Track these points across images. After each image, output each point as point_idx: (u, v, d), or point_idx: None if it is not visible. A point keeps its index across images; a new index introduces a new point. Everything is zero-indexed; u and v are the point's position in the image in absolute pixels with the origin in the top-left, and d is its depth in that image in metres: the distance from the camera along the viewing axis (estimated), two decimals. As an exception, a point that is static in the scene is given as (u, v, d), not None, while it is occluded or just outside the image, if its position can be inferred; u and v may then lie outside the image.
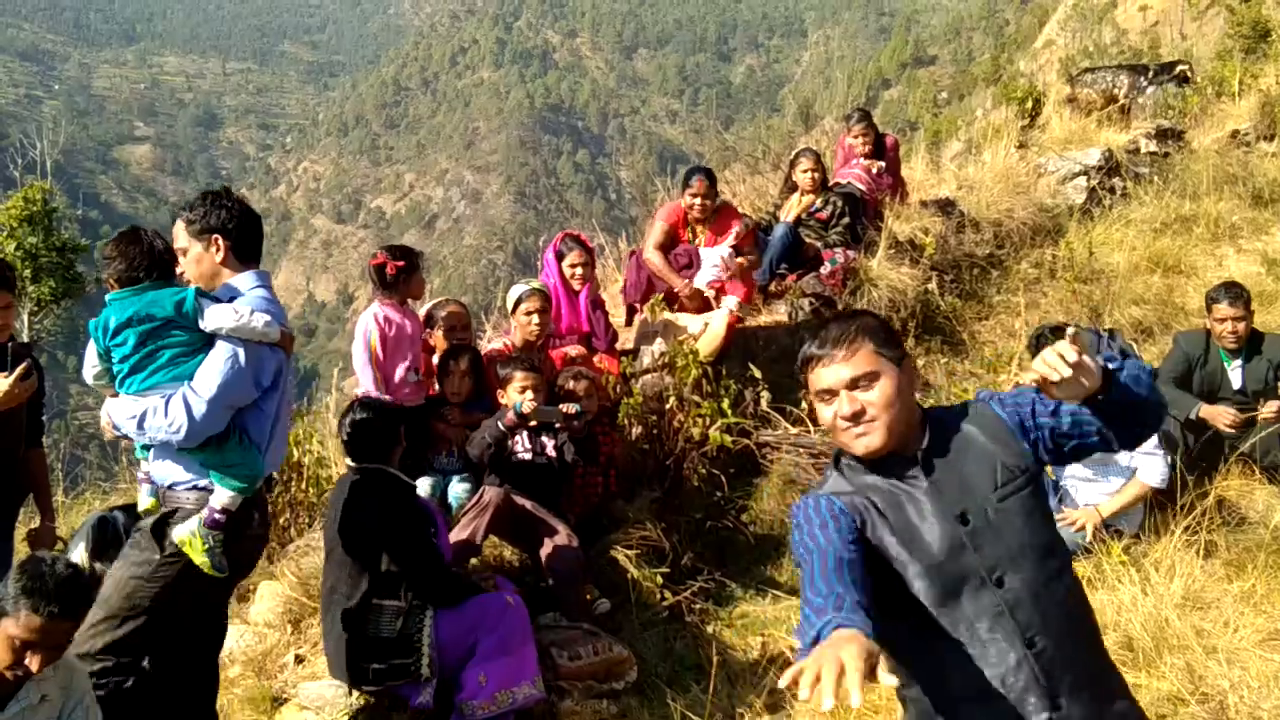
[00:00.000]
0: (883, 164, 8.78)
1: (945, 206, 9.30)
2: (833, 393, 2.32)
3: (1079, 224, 9.52)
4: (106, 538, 4.83)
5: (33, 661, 2.86)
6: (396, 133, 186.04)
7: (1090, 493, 5.29)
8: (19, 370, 4.12)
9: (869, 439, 2.30)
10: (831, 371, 2.31)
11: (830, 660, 1.72)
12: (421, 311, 5.88)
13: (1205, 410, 5.66)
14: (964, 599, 2.26)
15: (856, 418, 2.29)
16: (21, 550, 4.83)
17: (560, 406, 5.18)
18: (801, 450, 6.36)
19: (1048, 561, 2.29)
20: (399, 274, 5.29)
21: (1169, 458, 5.27)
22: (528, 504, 5.04)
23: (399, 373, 5.26)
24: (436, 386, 5.55)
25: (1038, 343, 5.37)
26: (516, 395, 5.12)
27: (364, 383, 5.23)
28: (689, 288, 7.01)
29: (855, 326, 2.34)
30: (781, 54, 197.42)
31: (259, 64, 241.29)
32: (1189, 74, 13.03)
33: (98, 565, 4.77)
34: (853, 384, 2.29)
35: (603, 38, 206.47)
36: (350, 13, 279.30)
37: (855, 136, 8.85)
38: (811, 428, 6.54)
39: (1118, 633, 4.17)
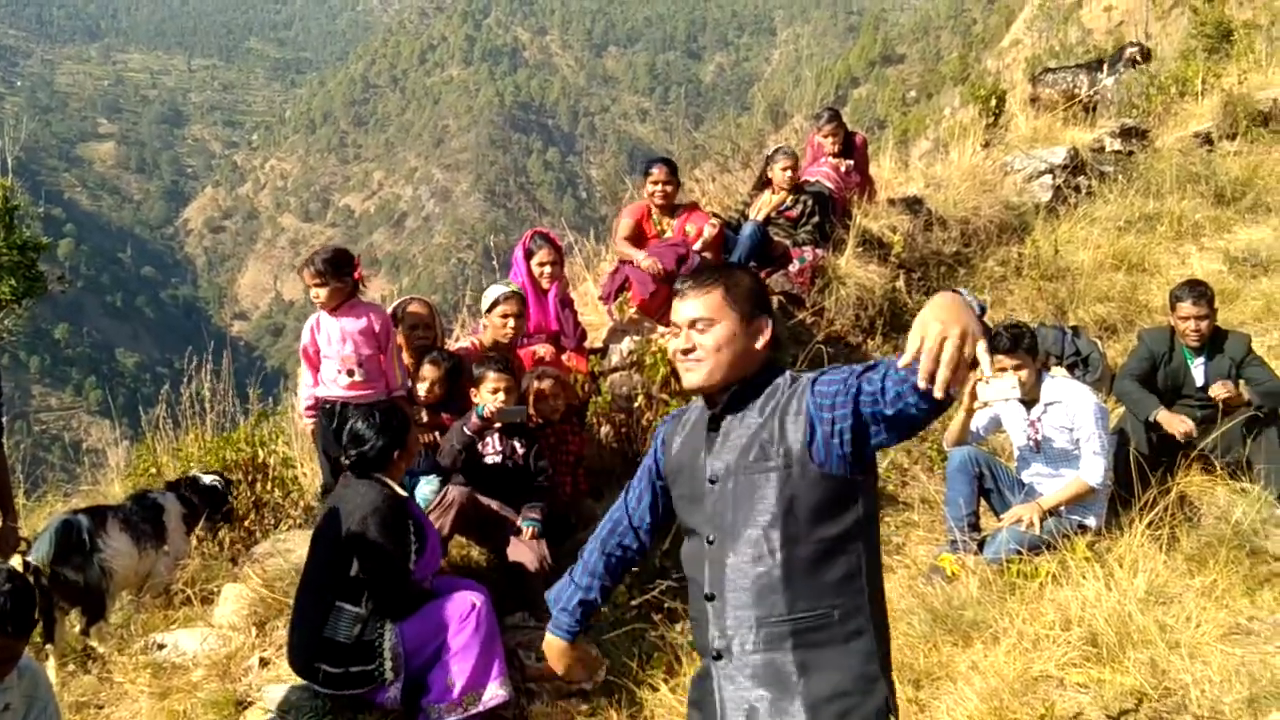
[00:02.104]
0: (851, 162, 8.80)
1: (913, 205, 9.34)
2: (679, 326, 2.58)
3: (1045, 222, 9.58)
4: (71, 541, 4.78)
5: None
6: (365, 130, 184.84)
7: (1052, 488, 5.33)
8: None
9: (691, 375, 2.56)
10: (682, 306, 2.58)
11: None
12: (389, 309, 5.86)
13: (1161, 416, 5.71)
14: (691, 538, 2.62)
15: (686, 353, 2.55)
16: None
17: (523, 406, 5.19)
18: (770, 448, 6.36)
19: (759, 546, 2.44)
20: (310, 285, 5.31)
21: (1110, 459, 5.32)
22: (493, 504, 5.03)
23: (329, 374, 5.35)
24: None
25: (994, 341, 5.40)
26: (488, 396, 5.13)
27: (301, 382, 5.54)
28: (650, 259, 6.98)
29: (718, 275, 2.60)
30: (751, 52, 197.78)
31: (225, 60, 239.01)
32: (1138, 57, 13.14)
33: (61, 570, 4.73)
34: (693, 323, 2.54)
35: (572, 35, 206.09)
36: (318, 9, 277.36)
37: (825, 135, 8.86)
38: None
39: (1082, 628, 4.20)
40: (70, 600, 4.81)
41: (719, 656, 2.47)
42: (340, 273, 5.33)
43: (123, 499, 5.51)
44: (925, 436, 6.62)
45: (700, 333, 2.53)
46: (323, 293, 5.28)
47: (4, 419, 4.72)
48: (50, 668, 4.62)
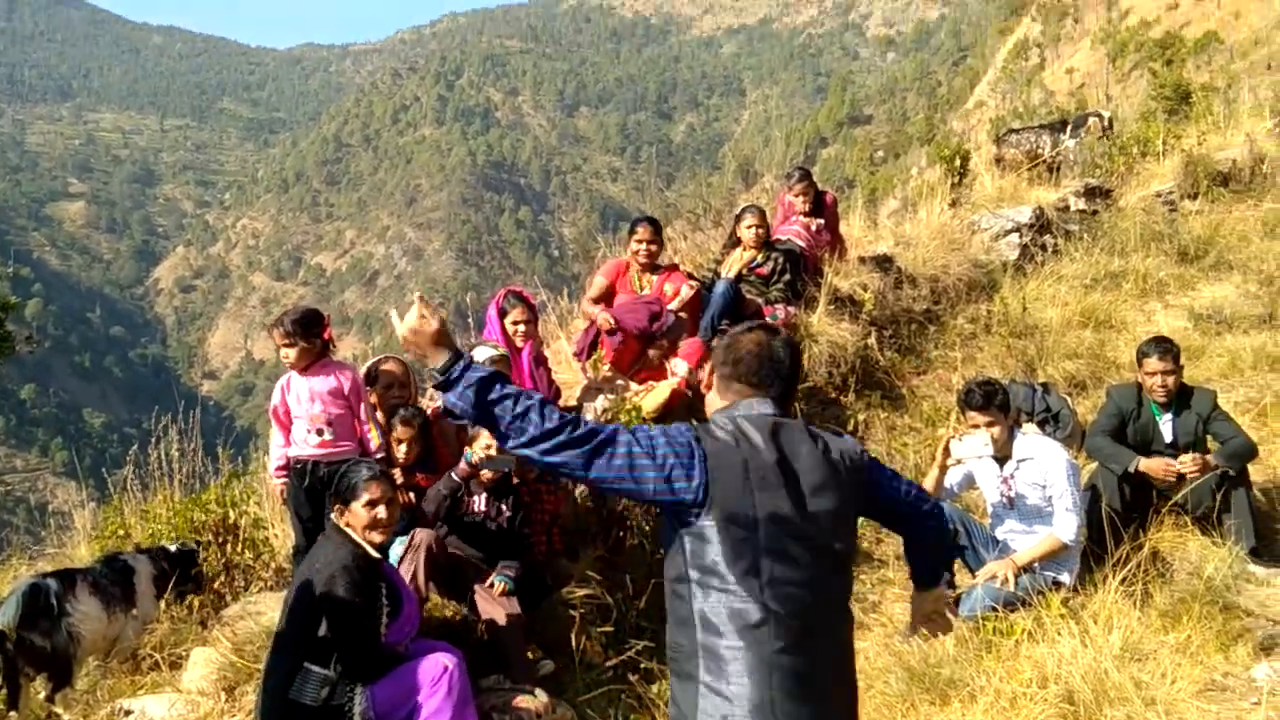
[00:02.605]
0: (822, 221, 8.90)
1: (883, 263, 9.44)
2: None
3: (1013, 279, 9.70)
4: (39, 605, 4.70)
5: None
6: (338, 189, 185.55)
7: (1026, 544, 5.35)
8: None
9: None
10: None
11: None
12: (362, 369, 5.83)
13: (1145, 464, 5.76)
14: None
15: None
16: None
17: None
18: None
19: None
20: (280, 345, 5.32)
21: (1083, 515, 5.36)
22: (460, 552, 5.02)
23: (299, 434, 5.34)
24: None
25: (967, 398, 5.45)
26: (480, 451, 5.13)
27: (272, 443, 5.51)
28: (605, 314, 7.03)
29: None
30: (721, 112, 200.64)
31: (198, 120, 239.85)
32: (1102, 123, 13.43)
33: (28, 635, 4.64)
34: None
35: (544, 96, 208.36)
36: (291, 70, 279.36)
37: (796, 195, 8.96)
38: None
39: (1059, 685, 4.19)
40: (36, 666, 4.71)
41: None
42: (309, 333, 5.31)
43: (92, 561, 5.43)
44: (899, 493, 6.63)
45: None
46: (292, 353, 5.26)
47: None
48: (13, 736, 4.52)
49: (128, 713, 4.67)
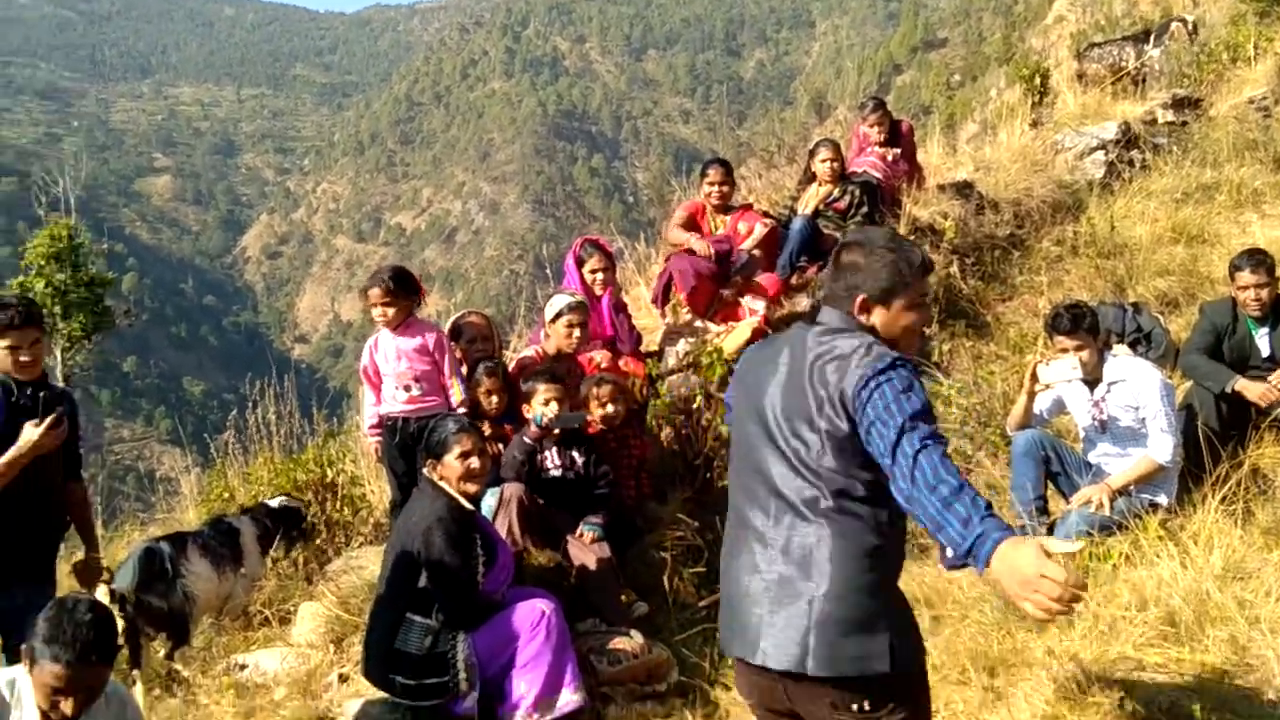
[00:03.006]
0: (898, 151, 8.75)
1: (963, 189, 9.25)
2: None
3: (1099, 199, 9.43)
4: (154, 568, 4.92)
5: (65, 706, 2.91)
6: (412, 148, 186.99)
7: (1120, 467, 5.26)
8: (49, 419, 4.18)
9: None
10: None
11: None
12: (447, 324, 5.94)
13: (1242, 385, 5.60)
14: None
15: None
16: (67, 582, 4.90)
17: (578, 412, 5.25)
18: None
19: None
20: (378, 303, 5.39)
21: (1179, 435, 5.23)
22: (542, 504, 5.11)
23: (389, 391, 5.45)
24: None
25: (1053, 323, 5.34)
26: (540, 407, 5.18)
27: (364, 401, 5.64)
28: (702, 242, 7.02)
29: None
30: (791, 46, 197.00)
31: (273, 89, 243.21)
32: (1186, 29, 12.90)
33: (146, 597, 4.88)
34: None
35: (611, 41, 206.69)
36: (360, 32, 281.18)
37: (871, 125, 8.82)
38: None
39: (1159, 608, 4.14)
40: (155, 626, 4.95)
41: None
42: (408, 291, 5.45)
43: (199, 525, 5.65)
44: (988, 422, 6.56)
45: None
46: (391, 311, 5.37)
47: (81, 451, 4.86)
48: (138, 692, 4.75)
49: (243, 667, 4.88)
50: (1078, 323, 5.22)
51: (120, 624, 4.84)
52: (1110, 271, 8.28)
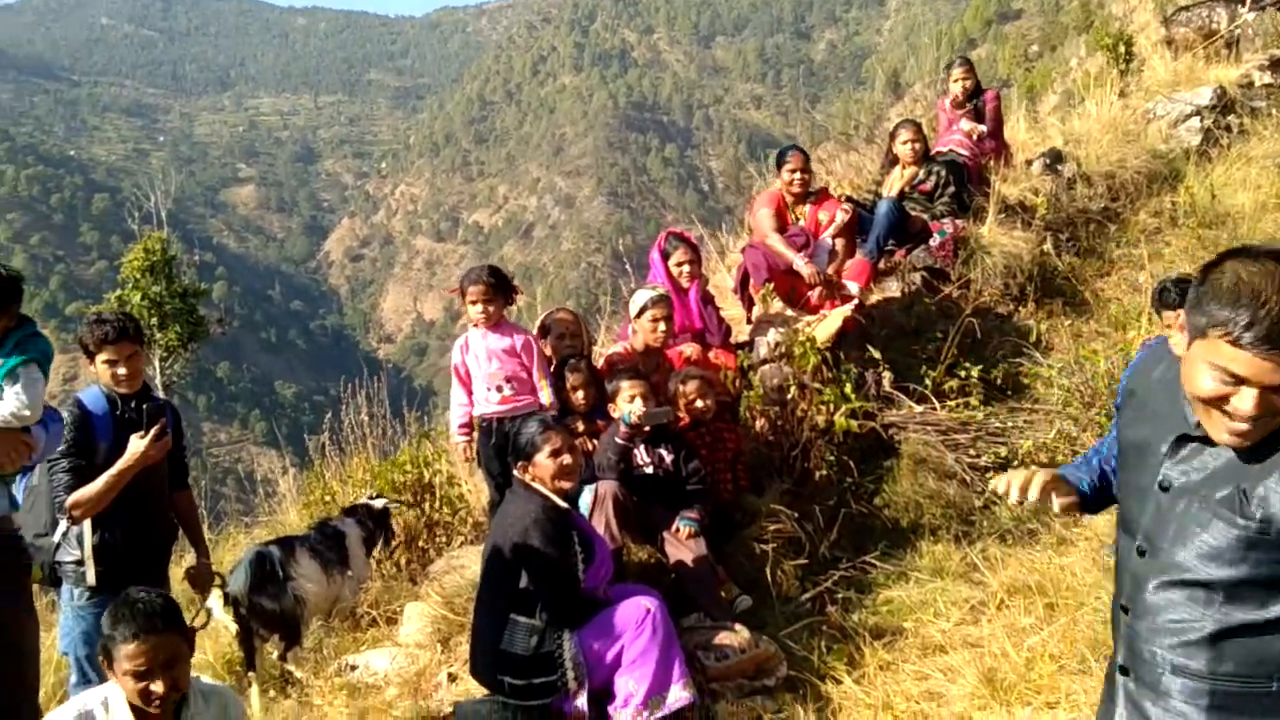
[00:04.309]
0: (984, 129, 8.57)
1: (1053, 163, 9.03)
2: (1241, 381, 1.94)
3: (1197, 167, 9.13)
4: (265, 571, 5.03)
5: (156, 687, 2.95)
6: (486, 147, 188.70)
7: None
8: (153, 432, 4.28)
9: (1239, 439, 2.00)
10: (1261, 367, 1.90)
11: (1019, 475, 2.50)
12: (536, 321, 5.95)
13: None
14: (1124, 528, 2.27)
15: (1252, 419, 1.95)
16: (179, 588, 5.02)
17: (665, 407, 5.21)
18: (929, 428, 6.24)
19: (1195, 593, 2.09)
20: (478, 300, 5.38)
21: None
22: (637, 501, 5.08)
23: (480, 392, 5.44)
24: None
25: (1161, 296, 5.16)
26: (625, 405, 5.15)
27: (453, 401, 5.59)
28: (811, 265, 6.91)
29: None
30: (861, 25, 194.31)
31: (349, 95, 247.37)
32: None
33: (258, 599, 4.99)
34: (1276, 389, 1.92)
35: (679, 30, 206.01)
36: (430, 35, 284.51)
37: (955, 80, 8.68)
38: (937, 405, 6.41)
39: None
40: (268, 628, 5.06)
41: (1125, 671, 2.23)
42: (505, 289, 5.46)
43: (306, 528, 5.75)
44: (1093, 402, 6.39)
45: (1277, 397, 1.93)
46: (491, 308, 5.38)
47: (187, 460, 4.97)
48: (254, 694, 4.86)
49: (353, 667, 4.95)
50: (1188, 296, 5.03)
51: (233, 626, 4.98)
52: (1213, 242, 8.00)
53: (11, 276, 3.60)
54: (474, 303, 5.39)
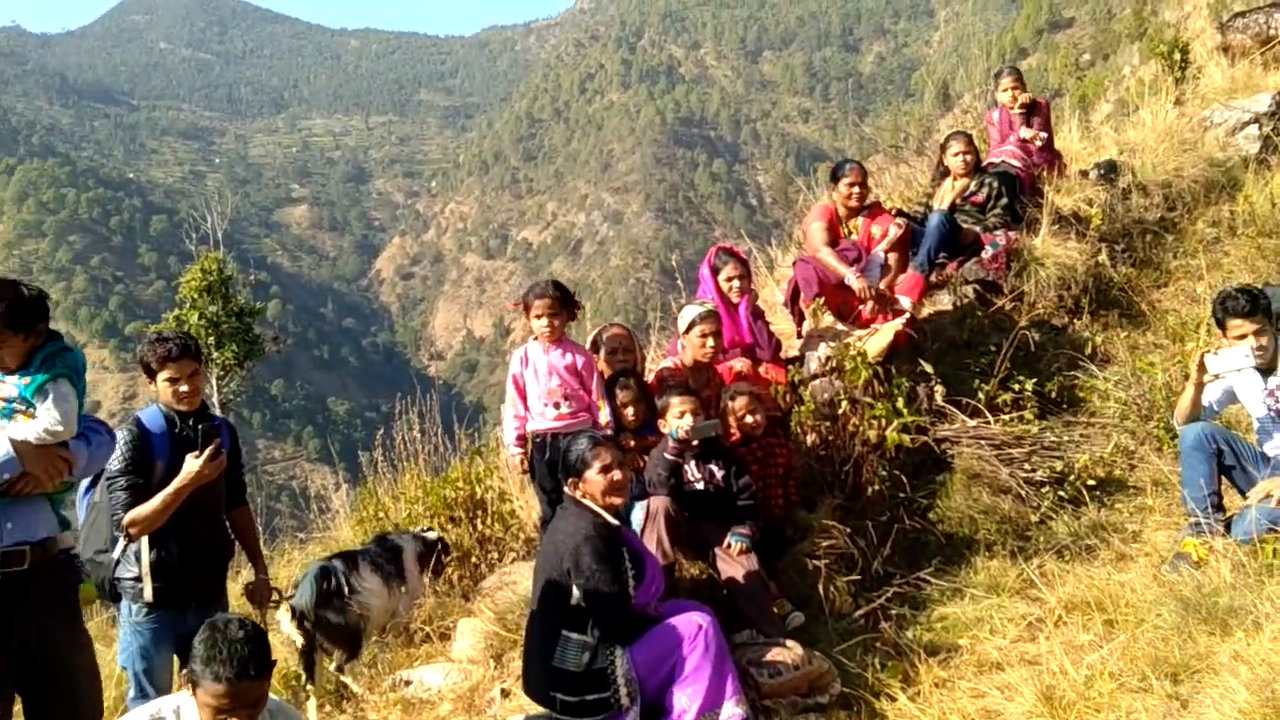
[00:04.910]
0: (1044, 135, 8.50)
1: (1107, 173, 8.91)
2: None
3: (1256, 175, 8.94)
4: (330, 585, 5.09)
5: None
6: (534, 164, 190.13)
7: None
8: (208, 451, 4.34)
9: None
10: None
11: None
12: (587, 339, 5.96)
13: None
14: None
15: None
16: (237, 604, 5.08)
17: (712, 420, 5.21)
18: (983, 442, 6.17)
19: None
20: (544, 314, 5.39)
21: None
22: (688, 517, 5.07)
23: (536, 406, 5.42)
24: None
25: (1224, 305, 5.06)
26: (675, 421, 5.15)
27: (506, 415, 5.58)
28: (863, 280, 6.87)
29: None
30: (910, 37, 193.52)
31: (399, 115, 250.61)
32: None
33: (323, 613, 5.06)
34: None
35: (726, 45, 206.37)
36: (479, 54, 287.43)
37: (1004, 90, 8.61)
38: (990, 419, 6.33)
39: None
40: (333, 641, 5.13)
41: None
42: (569, 304, 5.47)
43: (366, 542, 5.80)
44: (1151, 415, 6.28)
45: None
46: (556, 323, 5.39)
47: (244, 477, 5.04)
48: (311, 708, 4.91)
49: (407, 682, 4.98)
50: (1255, 304, 4.93)
51: (299, 640, 5.04)
52: (1273, 251, 7.85)
53: (37, 296, 3.62)
54: (539, 316, 5.38)
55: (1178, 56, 11.75)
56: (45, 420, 3.51)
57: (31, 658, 3.54)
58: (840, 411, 5.97)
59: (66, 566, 3.80)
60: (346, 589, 5.11)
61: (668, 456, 5.11)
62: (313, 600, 5.01)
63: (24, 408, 3.52)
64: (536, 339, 5.45)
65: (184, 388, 4.42)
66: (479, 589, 5.60)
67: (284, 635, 5.13)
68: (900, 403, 5.83)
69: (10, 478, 3.44)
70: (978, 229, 7.87)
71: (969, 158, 7.94)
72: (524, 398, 5.50)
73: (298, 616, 5.00)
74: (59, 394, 3.55)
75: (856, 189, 7.20)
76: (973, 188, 7.93)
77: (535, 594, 4.39)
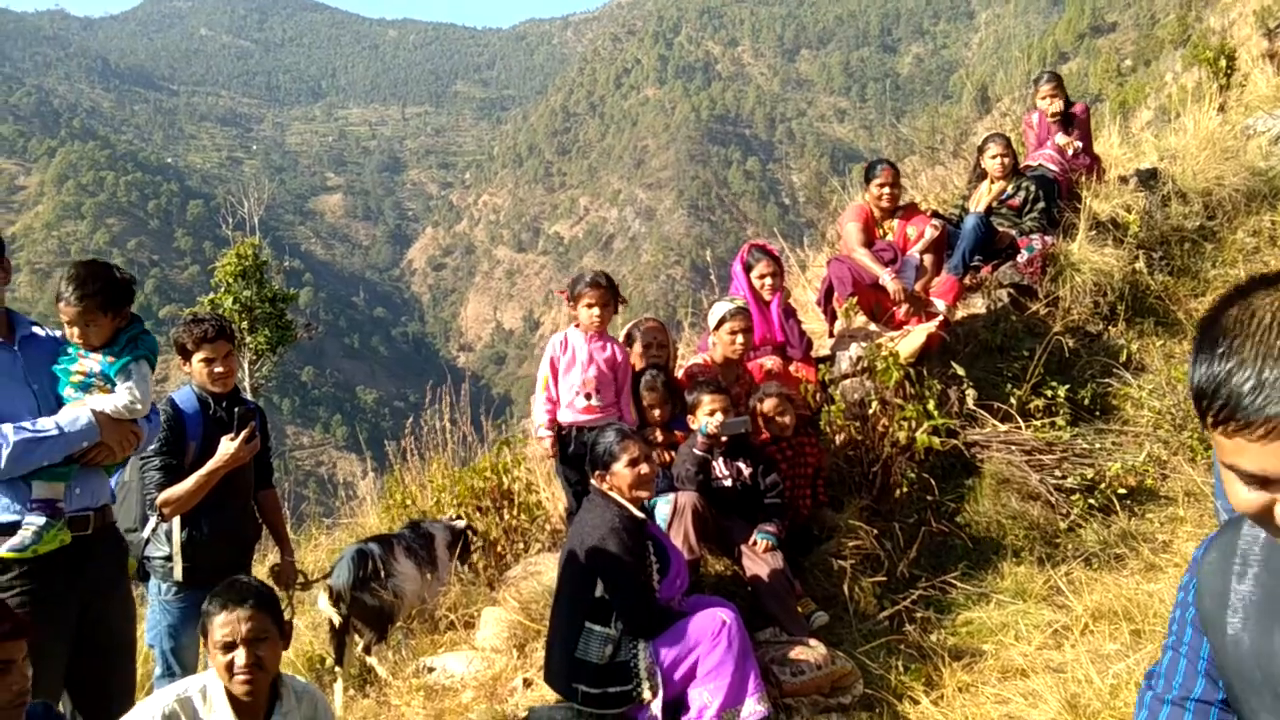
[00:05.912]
0: (1080, 145, 8.41)
1: (1147, 180, 8.82)
2: (1269, 482, 1.35)
3: (1299, 184, 8.84)
4: (366, 568, 5.15)
5: (238, 656, 3.03)
6: (568, 158, 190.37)
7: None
8: (244, 434, 4.40)
9: None
10: (1262, 454, 1.32)
11: None
12: (622, 332, 5.96)
13: None
14: None
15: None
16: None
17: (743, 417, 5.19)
18: (1013, 447, 6.13)
19: None
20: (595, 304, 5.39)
21: None
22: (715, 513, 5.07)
23: (566, 394, 5.42)
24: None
25: None
26: (705, 418, 5.15)
27: (536, 400, 5.56)
28: (897, 281, 6.83)
29: None
30: (949, 39, 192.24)
31: (435, 106, 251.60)
32: None
33: (360, 595, 5.11)
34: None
35: (763, 43, 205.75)
36: (516, 47, 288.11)
37: (1044, 97, 8.53)
38: (1022, 424, 6.29)
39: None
40: (366, 623, 5.17)
41: None
42: (616, 296, 5.49)
43: (399, 527, 5.84)
44: (1184, 425, 6.22)
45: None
46: (605, 312, 5.40)
47: (272, 461, 5.09)
48: (338, 689, 4.95)
49: (431, 669, 5.00)
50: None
51: (337, 619, 5.10)
52: (1316, 263, 7.76)
53: (128, 280, 3.78)
54: (590, 306, 5.37)
55: (1223, 63, 11.62)
56: (126, 397, 3.64)
57: (89, 623, 3.63)
58: (870, 412, 5.95)
59: (119, 537, 3.93)
60: (384, 571, 5.15)
61: (696, 452, 5.11)
62: (350, 581, 5.06)
63: (102, 383, 3.65)
64: (579, 327, 5.46)
65: (219, 369, 4.50)
66: (504, 578, 5.62)
67: (319, 615, 5.18)
68: (931, 405, 5.80)
69: (87, 446, 3.56)
70: (1013, 232, 7.81)
71: (1006, 160, 7.88)
72: (557, 383, 5.50)
73: (334, 597, 5.05)
74: (140, 375, 3.71)
75: (888, 190, 7.17)
76: (1010, 191, 7.87)
77: (559, 585, 4.41)
